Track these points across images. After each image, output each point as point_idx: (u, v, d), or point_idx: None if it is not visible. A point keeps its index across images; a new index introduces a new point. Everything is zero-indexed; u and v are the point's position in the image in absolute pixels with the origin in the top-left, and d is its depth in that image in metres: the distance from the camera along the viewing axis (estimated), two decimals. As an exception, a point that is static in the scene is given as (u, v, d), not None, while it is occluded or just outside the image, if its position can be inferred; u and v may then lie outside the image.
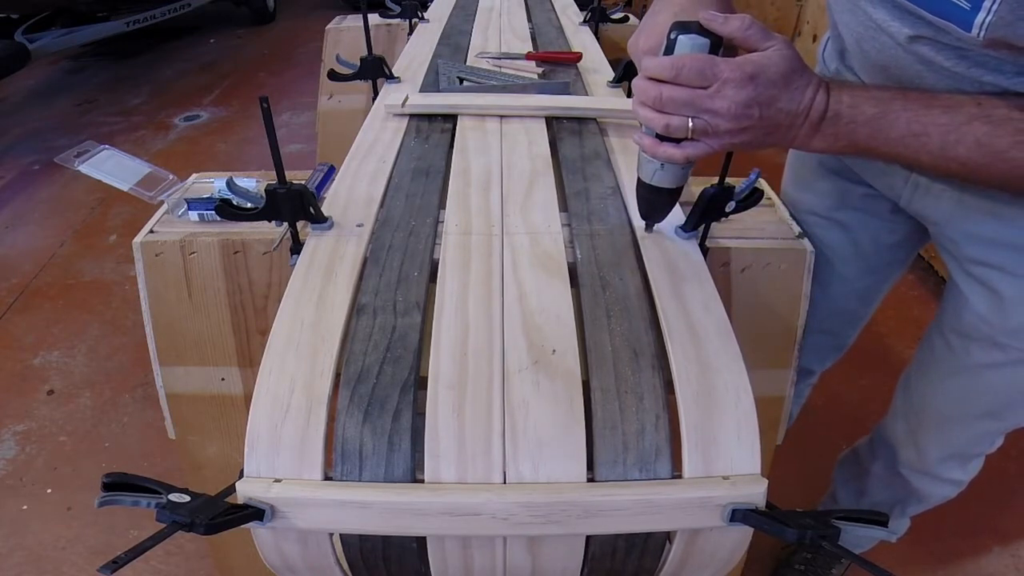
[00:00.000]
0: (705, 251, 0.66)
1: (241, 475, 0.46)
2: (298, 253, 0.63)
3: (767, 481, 0.45)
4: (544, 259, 0.62)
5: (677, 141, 0.55)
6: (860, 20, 0.64)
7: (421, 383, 0.50)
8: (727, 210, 0.63)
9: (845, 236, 0.85)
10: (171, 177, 0.79)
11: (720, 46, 0.53)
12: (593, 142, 0.86)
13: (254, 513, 0.43)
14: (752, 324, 0.76)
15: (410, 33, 1.39)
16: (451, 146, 0.84)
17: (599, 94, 1.04)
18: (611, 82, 1.05)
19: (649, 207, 0.63)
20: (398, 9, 1.48)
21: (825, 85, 0.55)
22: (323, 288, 0.58)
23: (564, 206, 0.72)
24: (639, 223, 0.68)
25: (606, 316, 0.56)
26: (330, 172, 0.81)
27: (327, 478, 0.46)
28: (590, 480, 0.45)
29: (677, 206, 0.71)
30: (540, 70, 1.12)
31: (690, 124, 0.53)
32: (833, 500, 1.16)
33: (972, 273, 0.72)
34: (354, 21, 1.68)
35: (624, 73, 1.02)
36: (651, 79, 0.53)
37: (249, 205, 0.62)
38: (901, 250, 0.87)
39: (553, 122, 0.91)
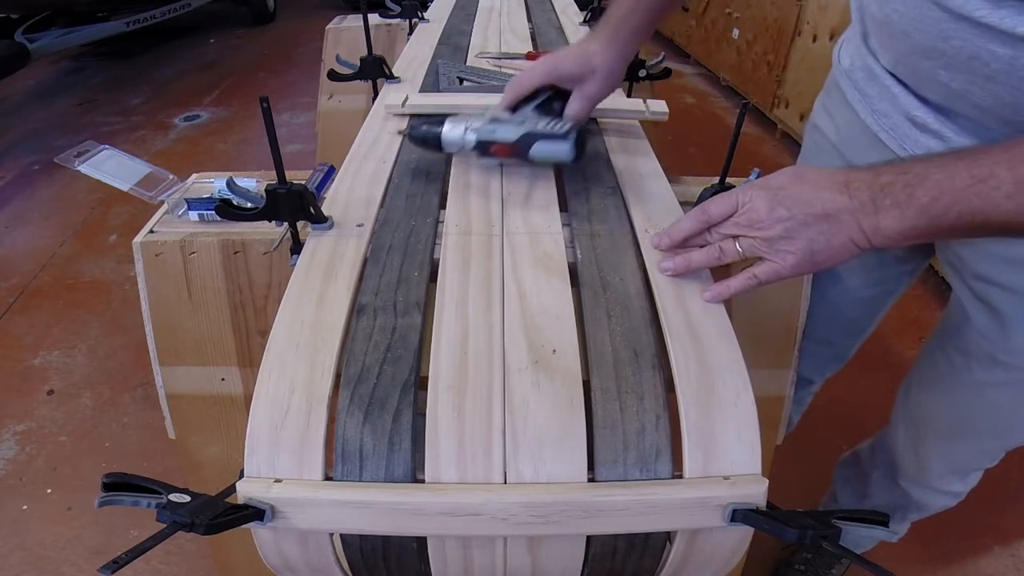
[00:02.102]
0: (705, 251, 0.66)
1: (241, 475, 0.46)
2: (298, 253, 0.63)
3: (767, 481, 0.45)
4: (544, 259, 0.62)
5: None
6: None
7: (421, 383, 0.50)
8: (727, 210, 0.63)
9: None
10: (171, 177, 0.79)
11: None
12: (593, 142, 0.86)
13: (254, 513, 0.43)
14: (752, 324, 0.76)
15: (410, 33, 1.39)
16: (451, 146, 0.84)
17: (599, 94, 1.04)
18: (611, 82, 1.05)
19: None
20: (398, 9, 1.48)
21: (854, 169, 0.53)
22: (323, 288, 0.58)
23: (564, 206, 0.72)
24: (640, 223, 0.68)
25: (606, 316, 0.56)
26: (330, 172, 0.81)
27: (327, 478, 0.46)
28: (590, 480, 0.45)
29: (677, 206, 0.71)
30: (540, 70, 1.12)
31: (737, 247, 0.55)
32: (834, 500, 1.16)
33: (974, 290, 0.71)
34: (354, 21, 1.68)
35: (624, 73, 1.02)
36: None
37: (249, 205, 0.62)
38: (907, 263, 0.85)
39: (553, 122, 0.90)
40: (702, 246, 0.59)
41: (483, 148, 0.73)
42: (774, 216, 0.53)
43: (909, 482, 0.94)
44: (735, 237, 0.56)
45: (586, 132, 0.73)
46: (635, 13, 0.72)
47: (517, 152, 0.72)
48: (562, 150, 0.71)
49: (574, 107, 0.74)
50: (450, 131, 0.73)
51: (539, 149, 0.71)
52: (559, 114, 0.77)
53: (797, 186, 0.53)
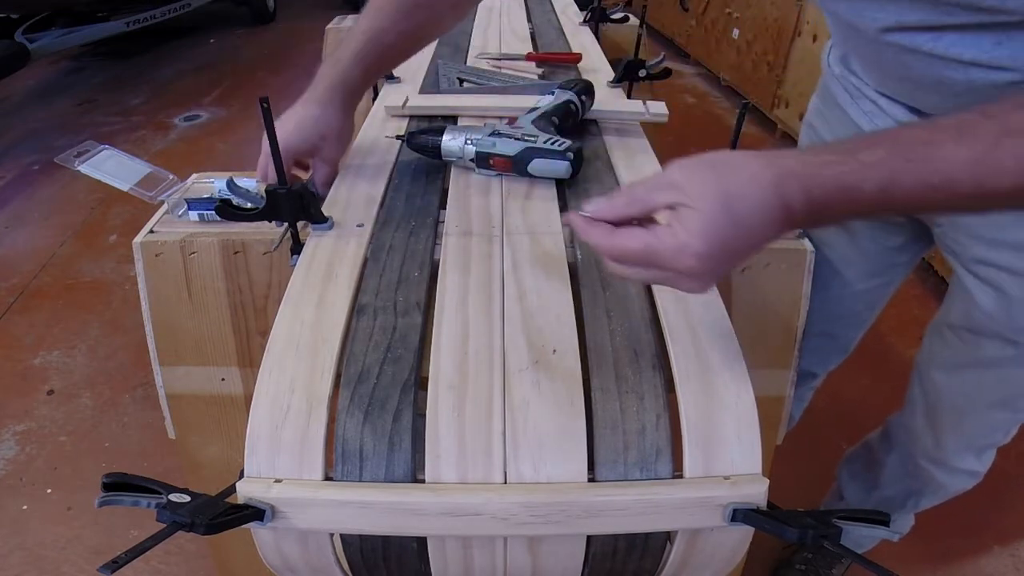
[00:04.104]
0: (705, 251, 0.66)
1: (241, 475, 0.46)
2: (298, 253, 0.63)
3: (768, 481, 0.45)
4: (544, 259, 0.62)
5: None
6: (837, 22, 0.65)
7: (422, 383, 0.50)
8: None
9: (846, 238, 0.84)
10: (171, 177, 0.79)
11: None
12: (593, 143, 0.86)
13: (254, 513, 0.43)
14: (752, 324, 0.76)
15: (410, 33, 1.39)
16: (451, 146, 0.84)
17: (599, 95, 1.04)
18: (611, 82, 1.05)
19: None
20: (398, 9, 1.48)
21: (783, 177, 0.43)
22: (323, 288, 0.58)
23: (564, 206, 0.72)
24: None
25: (606, 316, 0.56)
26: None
27: (327, 478, 0.46)
28: (591, 480, 0.45)
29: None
30: (540, 71, 1.12)
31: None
32: (839, 498, 1.16)
33: (977, 273, 0.72)
34: (354, 21, 1.68)
35: (624, 73, 1.02)
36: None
37: (249, 205, 0.62)
38: (905, 253, 0.87)
39: (553, 122, 0.90)
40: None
41: (482, 160, 0.74)
42: (696, 268, 0.44)
43: (927, 461, 0.94)
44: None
45: (583, 150, 0.74)
46: (351, 70, 0.70)
47: (515, 166, 0.73)
48: (559, 167, 0.72)
49: (320, 175, 0.72)
50: (450, 141, 0.74)
51: (537, 165, 0.72)
52: (559, 129, 0.78)
53: (731, 206, 0.43)
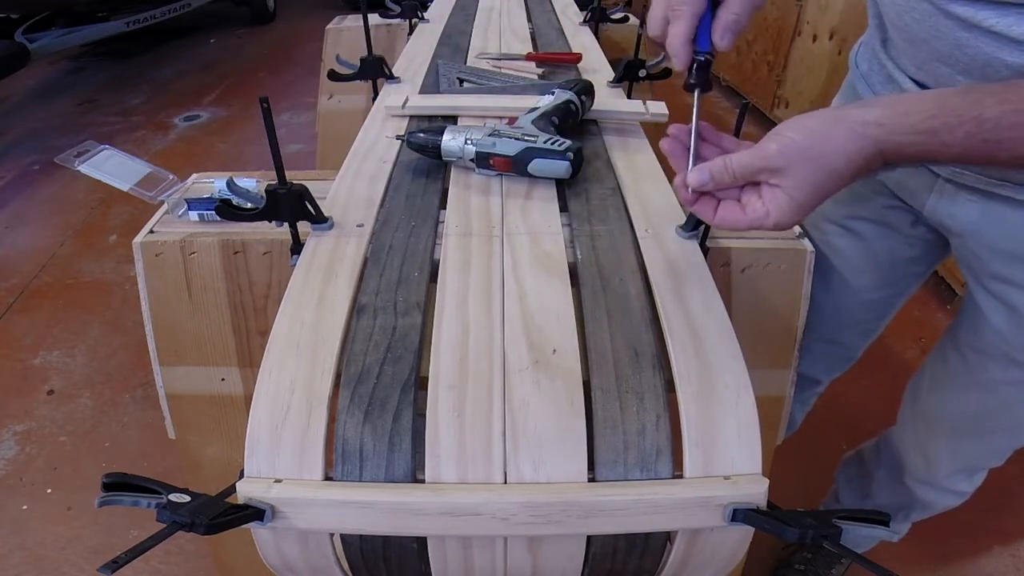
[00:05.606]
0: (705, 251, 0.66)
1: (241, 475, 0.46)
2: (298, 253, 0.63)
3: (768, 481, 0.45)
4: (544, 259, 0.62)
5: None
6: None
7: (422, 383, 0.50)
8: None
9: (860, 246, 0.83)
10: (171, 177, 0.79)
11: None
12: (593, 143, 0.86)
13: (254, 513, 0.43)
14: (752, 324, 0.76)
15: (410, 33, 1.39)
16: (451, 146, 0.84)
17: (599, 95, 1.04)
18: (611, 82, 1.05)
19: None
20: (398, 9, 1.48)
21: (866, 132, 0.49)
22: (323, 288, 0.58)
23: (564, 206, 0.72)
24: (640, 223, 0.68)
25: (606, 316, 0.56)
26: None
27: (327, 478, 0.46)
28: (591, 480, 0.45)
29: (677, 206, 0.71)
30: (540, 71, 1.12)
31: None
32: (836, 500, 1.16)
33: (991, 290, 0.71)
34: (354, 21, 1.68)
35: (624, 73, 1.02)
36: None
37: (249, 205, 0.62)
38: (918, 265, 0.85)
39: (553, 122, 0.90)
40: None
41: (482, 160, 0.74)
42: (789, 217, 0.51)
43: (915, 481, 0.94)
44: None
45: (583, 150, 0.74)
46: None
47: (515, 166, 0.73)
48: (560, 167, 0.72)
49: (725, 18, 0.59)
50: (449, 141, 0.74)
51: (537, 165, 0.72)
52: (559, 129, 0.78)
53: (822, 188, 0.50)
